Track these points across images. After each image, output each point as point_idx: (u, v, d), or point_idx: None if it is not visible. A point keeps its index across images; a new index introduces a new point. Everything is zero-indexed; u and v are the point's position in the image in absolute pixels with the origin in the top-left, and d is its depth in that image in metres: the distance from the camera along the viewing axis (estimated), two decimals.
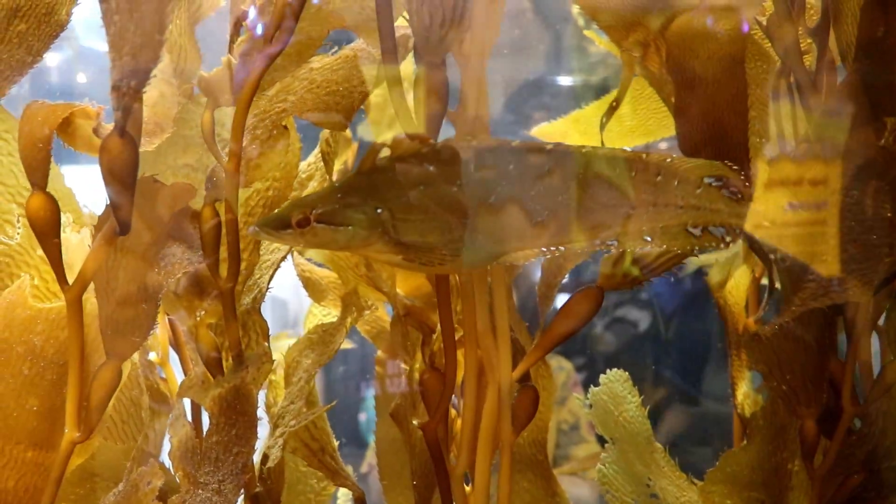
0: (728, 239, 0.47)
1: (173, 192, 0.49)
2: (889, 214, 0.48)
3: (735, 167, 0.48)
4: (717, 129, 0.57)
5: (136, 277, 0.49)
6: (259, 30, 0.52)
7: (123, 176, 0.45)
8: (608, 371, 0.72)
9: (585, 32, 0.68)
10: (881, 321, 0.57)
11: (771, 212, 0.58)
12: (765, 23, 0.56)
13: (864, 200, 0.48)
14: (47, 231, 0.48)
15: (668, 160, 0.48)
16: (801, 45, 0.55)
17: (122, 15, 0.42)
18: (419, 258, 0.46)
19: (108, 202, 0.46)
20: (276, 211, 0.49)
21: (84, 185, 0.59)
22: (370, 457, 1.25)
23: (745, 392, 0.75)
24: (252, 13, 0.53)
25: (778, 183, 0.51)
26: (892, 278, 0.52)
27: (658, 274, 0.51)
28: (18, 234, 0.57)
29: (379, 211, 0.45)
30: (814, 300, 0.48)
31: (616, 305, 1.47)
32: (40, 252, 0.57)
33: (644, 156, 0.48)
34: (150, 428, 0.58)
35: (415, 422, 0.58)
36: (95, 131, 0.47)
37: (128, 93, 0.43)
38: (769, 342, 0.53)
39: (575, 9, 0.98)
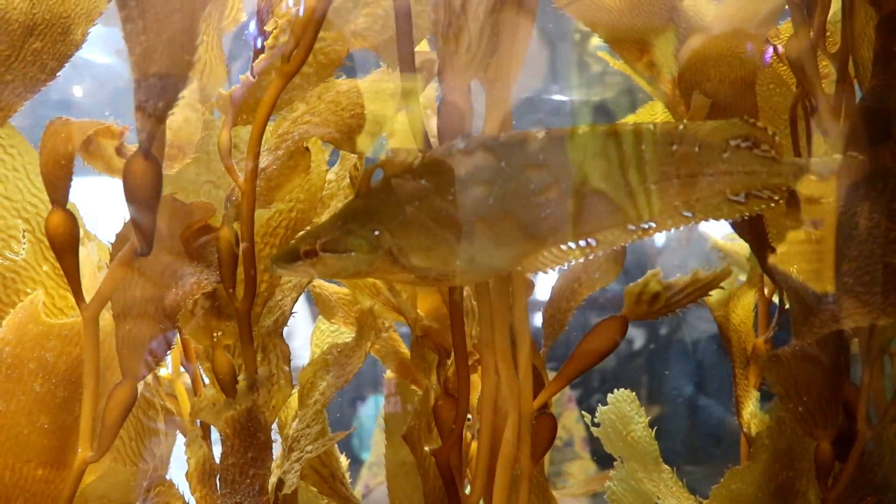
0: (776, 197, 0.44)
1: (193, 211, 0.49)
2: None
3: (759, 125, 0.44)
4: None
5: (153, 297, 0.49)
6: (258, 43, 0.51)
7: (146, 198, 0.44)
8: (604, 389, 0.72)
9: (599, 54, 0.69)
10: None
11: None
12: (781, 47, 0.57)
13: (884, 223, 0.48)
14: (66, 248, 0.48)
15: (682, 126, 0.44)
16: (821, 70, 0.55)
17: (148, 35, 0.41)
18: (432, 273, 0.45)
19: (130, 223, 0.46)
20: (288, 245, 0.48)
21: (80, 198, 0.58)
22: (365, 476, 1.24)
23: (752, 411, 0.75)
24: (253, 27, 0.53)
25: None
26: None
27: (684, 305, 0.50)
28: (24, 249, 0.57)
29: (377, 233, 0.44)
30: (834, 323, 0.48)
31: None
32: (46, 268, 0.56)
33: (652, 126, 0.44)
34: (160, 448, 0.58)
35: (427, 448, 0.57)
36: (118, 151, 0.46)
37: (154, 114, 0.43)
38: (788, 364, 0.53)
39: (574, 27, 0.99)
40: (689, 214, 0.44)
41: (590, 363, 0.52)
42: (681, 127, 0.44)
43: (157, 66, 0.41)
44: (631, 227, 0.44)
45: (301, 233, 0.54)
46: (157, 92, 0.41)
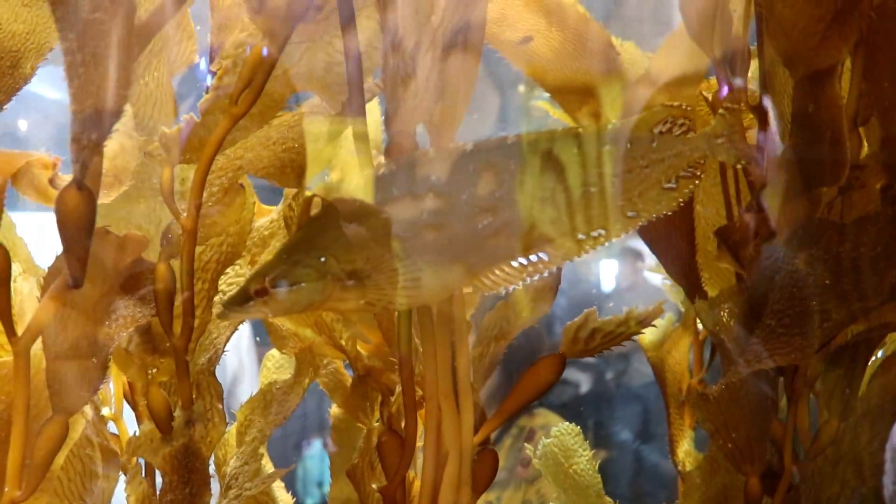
0: (698, 172, 0.45)
1: (126, 244, 0.49)
2: (826, 282, 0.50)
3: (675, 104, 0.46)
4: None
5: (85, 331, 0.48)
6: (208, 80, 0.52)
7: (79, 230, 0.44)
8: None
9: (540, 104, 0.70)
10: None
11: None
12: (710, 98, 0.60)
13: (803, 268, 0.51)
14: None
15: (609, 126, 0.45)
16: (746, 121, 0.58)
17: (87, 68, 0.42)
18: (381, 297, 0.44)
19: (62, 255, 0.46)
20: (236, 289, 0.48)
21: (28, 232, 0.58)
22: None
23: (686, 450, 0.76)
24: (203, 64, 0.53)
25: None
26: (829, 342, 0.54)
27: (619, 342, 0.51)
28: None
29: (323, 259, 0.44)
30: (758, 362, 0.50)
31: None
32: None
33: (580, 129, 0.45)
34: (100, 486, 0.57)
35: (374, 485, 0.57)
36: (51, 182, 0.46)
37: (88, 146, 0.43)
38: (716, 402, 0.54)
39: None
40: (633, 215, 0.44)
41: (528, 399, 0.53)
42: (610, 126, 0.45)
43: (94, 99, 0.41)
44: (581, 236, 0.44)
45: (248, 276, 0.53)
46: (91, 124, 0.41)
